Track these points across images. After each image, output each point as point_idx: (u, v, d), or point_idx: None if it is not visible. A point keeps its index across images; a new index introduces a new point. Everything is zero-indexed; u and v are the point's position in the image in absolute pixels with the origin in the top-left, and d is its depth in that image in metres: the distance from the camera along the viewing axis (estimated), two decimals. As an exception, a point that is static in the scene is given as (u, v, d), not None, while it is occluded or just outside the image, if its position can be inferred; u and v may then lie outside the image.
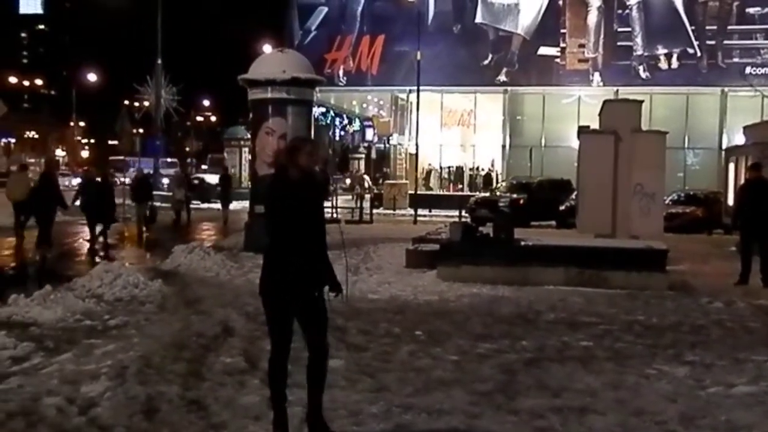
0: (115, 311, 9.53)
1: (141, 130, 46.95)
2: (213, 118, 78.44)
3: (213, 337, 8.13)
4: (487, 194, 31.01)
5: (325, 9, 43.29)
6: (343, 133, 41.51)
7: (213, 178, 34.97)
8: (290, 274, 5.07)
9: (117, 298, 10.33)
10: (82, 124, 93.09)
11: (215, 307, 9.86)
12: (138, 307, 9.85)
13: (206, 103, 74.22)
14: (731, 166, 20.11)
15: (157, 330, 8.49)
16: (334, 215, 28.06)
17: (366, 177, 41.20)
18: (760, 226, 12.90)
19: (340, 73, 42.78)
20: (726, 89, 38.15)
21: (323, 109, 35.33)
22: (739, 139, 24.63)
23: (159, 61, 35.85)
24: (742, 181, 18.28)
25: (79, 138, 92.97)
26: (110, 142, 62.66)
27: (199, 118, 76.35)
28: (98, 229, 17.38)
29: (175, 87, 39.72)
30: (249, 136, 22.49)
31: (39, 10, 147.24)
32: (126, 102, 47.58)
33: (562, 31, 40.70)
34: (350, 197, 33.93)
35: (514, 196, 27.70)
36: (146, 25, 37.33)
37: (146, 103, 41.03)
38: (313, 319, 5.19)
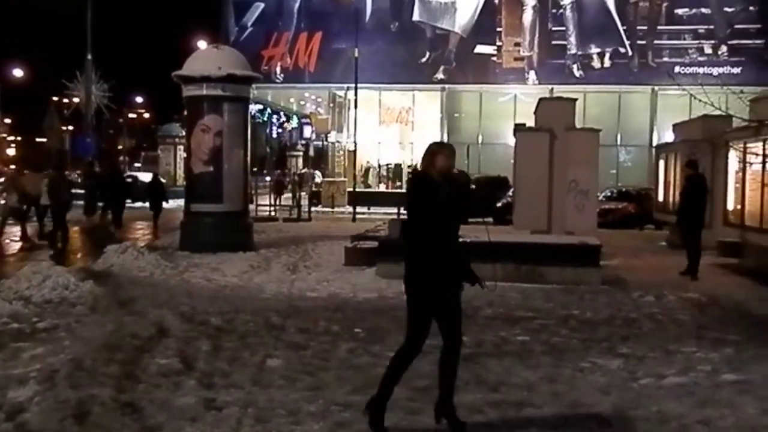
0: (44, 313, 9.29)
1: (71, 128, 45.97)
2: (146, 115, 77.01)
3: (147, 338, 7.97)
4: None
5: (262, 5, 42.94)
6: (280, 130, 41.15)
7: (147, 177, 34.40)
8: (439, 275, 5.24)
9: (46, 300, 10.07)
10: (7, 120, 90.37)
11: (149, 308, 9.68)
12: (68, 309, 9.61)
13: (139, 99, 72.82)
14: (661, 163, 20.56)
15: (89, 332, 8.29)
16: (272, 213, 27.91)
17: (317, 173, 41.05)
18: (697, 220, 13.38)
19: (277, 70, 42.50)
20: (656, 88, 39.02)
21: (260, 107, 34.97)
22: (669, 137, 25.21)
23: (89, 57, 35.01)
24: (672, 177, 18.79)
25: (4, 135, 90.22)
26: (38, 140, 61.15)
27: (132, 115, 74.80)
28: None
29: (107, 83, 38.94)
30: (184, 133, 22.20)
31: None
32: (54, 98, 46.46)
33: (498, 29, 41.15)
34: (289, 195, 33.83)
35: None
36: (75, 19, 36.50)
37: (76, 100, 40.13)
38: (454, 317, 5.38)
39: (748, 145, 13.91)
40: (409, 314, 5.42)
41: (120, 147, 73.62)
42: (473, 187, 5.55)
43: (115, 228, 20.56)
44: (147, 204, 23.00)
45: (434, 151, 5.44)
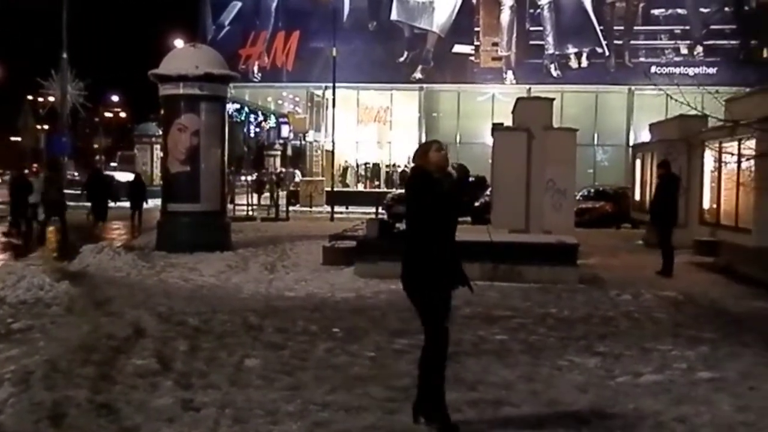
0: (18, 314, 9.21)
1: (46, 127, 45.48)
2: (122, 115, 76.29)
3: (124, 338, 7.92)
4: (404, 191, 31.09)
5: (239, 4, 42.78)
6: (258, 129, 40.98)
7: (123, 176, 34.16)
8: (437, 272, 5.28)
9: (21, 301, 9.98)
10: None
11: (126, 308, 9.61)
12: (43, 310, 9.53)
13: (115, 98, 72.17)
14: (638, 163, 20.69)
15: (64, 333, 8.22)
16: (250, 212, 27.79)
17: (297, 172, 40.90)
18: (669, 219, 13.54)
19: (255, 69, 42.35)
20: (633, 88, 39.26)
21: (237, 106, 34.82)
22: (645, 136, 25.37)
23: (65, 55, 34.65)
24: (649, 177, 18.93)
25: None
26: (13, 139, 60.44)
27: (108, 114, 74.16)
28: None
29: (82, 82, 38.58)
30: (160, 132, 22.07)
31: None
32: (29, 97, 45.93)
33: (476, 29, 41.25)
34: (266, 194, 33.68)
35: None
36: (51, 17, 36.14)
37: (51, 99, 39.68)
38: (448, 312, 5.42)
39: (724, 144, 14.03)
40: (424, 315, 5.35)
41: (96, 146, 73.00)
42: (473, 178, 5.53)
43: (98, 225, 20.94)
44: (128, 203, 23.20)
45: (425, 149, 5.49)
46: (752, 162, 12.31)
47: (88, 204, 22.16)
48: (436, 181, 5.30)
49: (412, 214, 5.42)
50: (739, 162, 13.12)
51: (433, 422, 5.31)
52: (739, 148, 13.08)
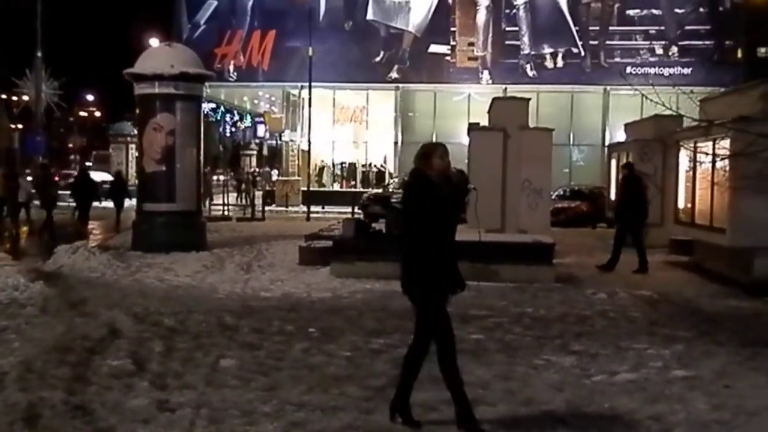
0: (-8, 315, 9.11)
1: (20, 126, 45.08)
2: (97, 114, 75.72)
3: (99, 339, 7.87)
4: (380, 190, 31.14)
5: (215, 3, 42.52)
6: (234, 129, 40.90)
7: (98, 176, 33.89)
8: (435, 274, 5.28)
9: (-5, 301, 9.88)
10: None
11: (101, 309, 9.54)
12: (18, 310, 9.44)
13: (90, 98, 71.59)
14: (613, 162, 20.83)
15: (39, 333, 8.15)
16: (226, 212, 27.70)
17: (275, 172, 40.79)
18: (633, 218, 13.77)
19: (231, 68, 42.12)
20: (608, 88, 39.47)
21: (213, 105, 34.71)
22: (621, 136, 25.56)
23: (39, 54, 34.33)
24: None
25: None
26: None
27: (83, 114, 73.61)
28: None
29: (57, 81, 38.24)
30: (136, 132, 21.97)
31: None
32: (3, 96, 45.52)
33: (452, 29, 41.28)
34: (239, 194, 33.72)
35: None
36: (25, 15, 35.73)
37: (25, 98, 39.32)
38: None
39: (698, 144, 14.16)
40: (422, 317, 5.40)
41: (71, 146, 72.40)
42: (471, 186, 5.51)
43: (81, 224, 20.98)
44: (110, 203, 23.57)
45: (428, 152, 5.45)
46: (726, 162, 12.43)
47: (74, 203, 22.29)
48: (435, 184, 5.30)
49: (411, 217, 5.41)
50: (713, 162, 13.24)
51: (465, 428, 5.35)
52: (713, 148, 13.21)
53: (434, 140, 40.33)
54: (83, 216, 21.36)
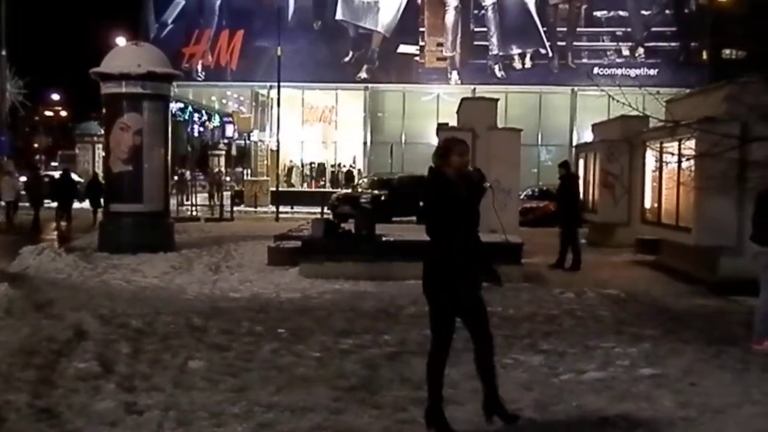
0: (-44, 317, 8.97)
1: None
2: (63, 113, 74.80)
3: (65, 341, 7.77)
4: (349, 191, 31.11)
5: (182, 2, 42.28)
6: (202, 129, 40.57)
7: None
8: (456, 273, 5.24)
9: (-42, 303, 9.72)
10: None
11: (67, 311, 9.43)
12: (-18, 313, 9.30)
13: (56, 97, 70.69)
14: (581, 162, 20.97)
15: (4, 336, 8.03)
16: (194, 213, 27.51)
17: (246, 172, 40.57)
18: (573, 216, 14.20)
19: (199, 67, 41.91)
20: (576, 88, 39.83)
21: (181, 105, 34.41)
22: (588, 137, 25.73)
23: (3, 52, 33.91)
24: (591, 176, 19.26)
25: None
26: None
27: (49, 113, 72.68)
28: None
29: (22, 80, 37.80)
30: (102, 131, 21.78)
31: None
32: (-33, 95, 44.74)
33: (421, 29, 41.43)
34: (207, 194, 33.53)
35: (376, 192, 27.90)
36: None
37: (-11, 97, 38.79)
38: (479, 315, 5.49)
39: (664, 144, 14.28)
40: (431, 314, 5.40)
41: (36, 145, 71.40)
42: (487, 185, 5.49)
43: (65, 224, 21.85)
44: (87, 202, 24.37)
45: (448, 149, 5.36)
46: (692, 162, 12.56)
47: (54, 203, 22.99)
48: (453, 183, 5.24)
49: (427, 215, 5.39)
50: (679, 162, 13.36)
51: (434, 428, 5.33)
52: (679, 148, 13.32)
53: (403, 141, 40.64)
54: (69, 215, 21.93)
